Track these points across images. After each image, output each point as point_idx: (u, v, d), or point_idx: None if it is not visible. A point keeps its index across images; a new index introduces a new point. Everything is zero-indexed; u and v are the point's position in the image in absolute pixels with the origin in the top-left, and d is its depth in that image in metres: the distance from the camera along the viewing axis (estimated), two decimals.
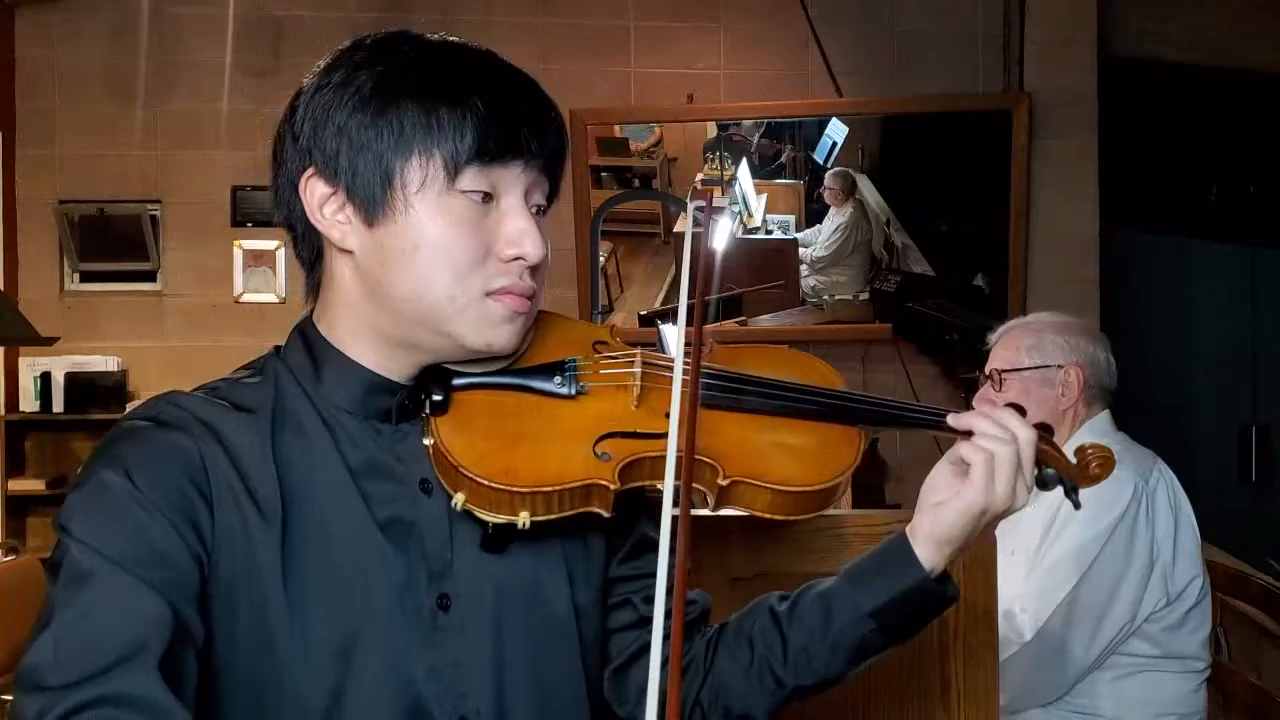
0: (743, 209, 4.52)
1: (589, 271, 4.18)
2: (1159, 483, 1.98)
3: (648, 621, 1.08)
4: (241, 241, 4.65)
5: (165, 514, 0.87)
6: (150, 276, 4.68)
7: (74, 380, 4.50)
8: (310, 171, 0.95)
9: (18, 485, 4.59)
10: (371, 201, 0.93)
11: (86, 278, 4.66)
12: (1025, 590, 1.96)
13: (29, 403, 4.57)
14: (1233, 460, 5.20)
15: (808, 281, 4.53)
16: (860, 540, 1.44)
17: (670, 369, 1.01)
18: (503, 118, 0.93)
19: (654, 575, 1.06)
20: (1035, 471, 1.04)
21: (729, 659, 1.07)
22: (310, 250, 1.01)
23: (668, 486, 0.87)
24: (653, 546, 1.08)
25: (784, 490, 0.99)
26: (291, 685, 0.91)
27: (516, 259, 0.95)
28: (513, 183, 0.95)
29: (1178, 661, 1.98)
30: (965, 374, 4.03)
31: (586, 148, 4.45)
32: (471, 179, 0.93)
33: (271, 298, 4.67)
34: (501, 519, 0.92)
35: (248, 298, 4.67)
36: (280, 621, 0.90)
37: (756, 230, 4.53)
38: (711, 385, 1.02)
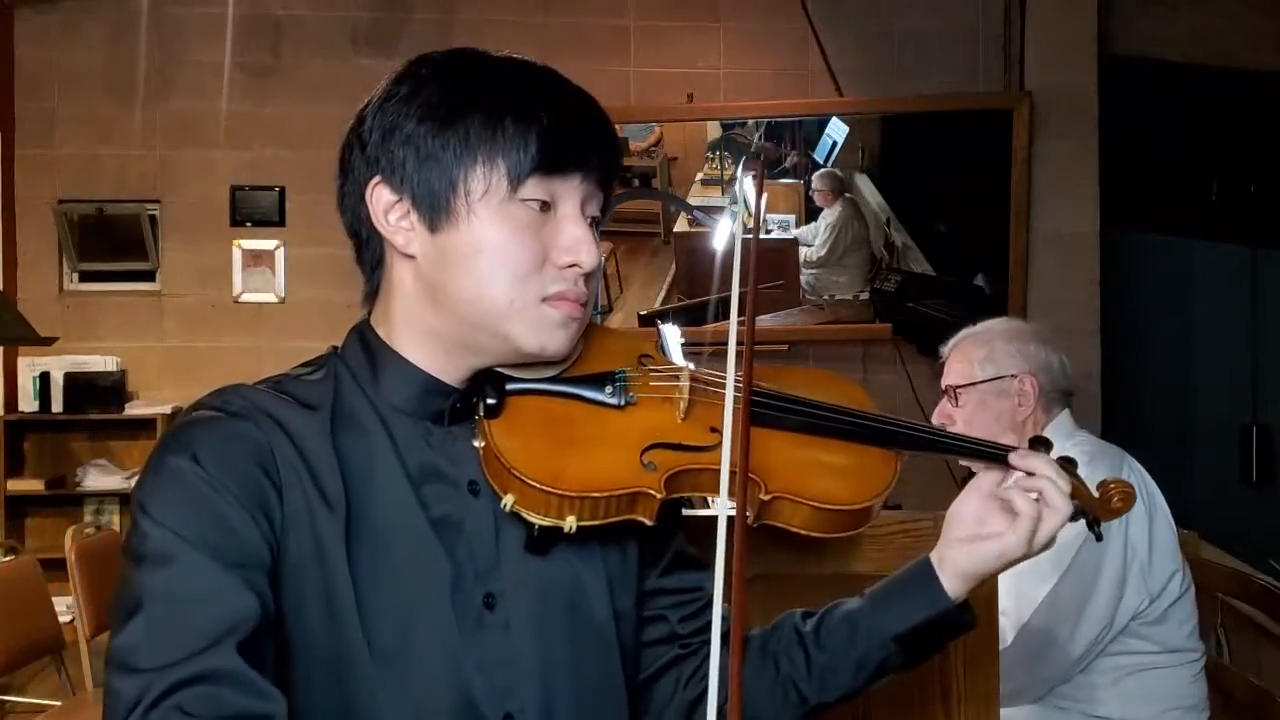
0: (743, 209, 4.51)
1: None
2: (1130, 479, 1.98)
3: (679, 638, 1.11)
4: (240, 241, 4.65)
5: (237, 497, 0.90)
6: (149, 276, 4.68)
7: (73, 380, 4.51)
8: (377, 180, 0.98)
9: (17, 485, 4.59)
10: (436, 208, 0.97)
11: (85, 277, 4.66)
12: (1004, 591, 1.95)
13: (28, 402, 4.57)
14: (1233, 461, 5.20)
15: (808, 280, 4.53)
16: (862, 542, 1.44)
17: (715, 385, 1.05)
18: (565, 132, 0.97)
19: (690, 591, 1.11)
20: None
21: (755, 675, 1.09)
22: (373, 255, 1.04)
23: (723, 499, 0.90)
24: (688, 562, 1.13)
25: (823, 507, 1.02)
26: (362, 665, 0.94)
27: (572, 266, 0.98)
28: (571, 193, 0.99)
29: (1173, 655, 1.98)
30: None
31: None
32: (533, 188, 0.96)
33: (270, 297, 4.67)
34: (548, 522, 0.95)
35: (246, 297, 4.67)
36: (346, 605, 0.93)
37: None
38: (758, 402, 1.04)
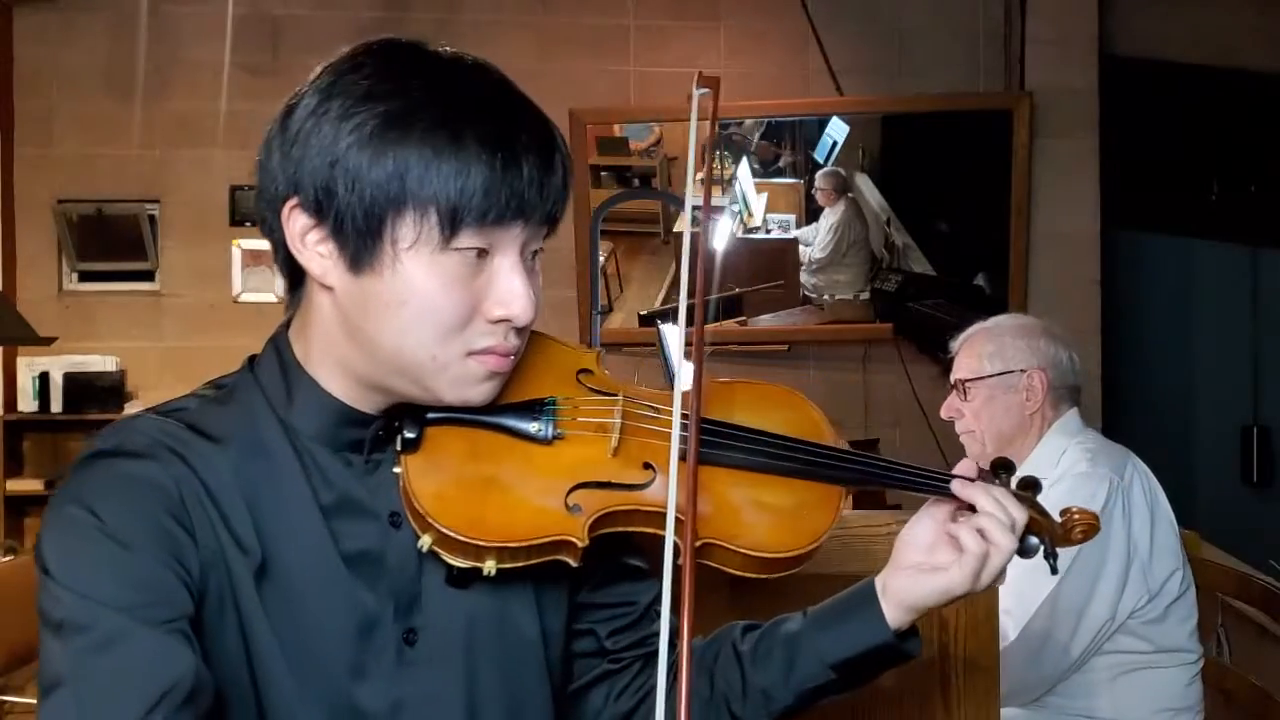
0: (743, 209, 4.51)
1: (589, 271, 4.17)
2: (1134, 478, 1.99)
3: (608, 652, 1.07)
4: (240, 241, 4.64)
5: (149, 550, 0.85)
6: (148, 276, 4.67)
7: (72, 380, 4.50)
8: (295, 201, 0.89)
9: (16, 485, 4.58)
10: (358, 250, 0.88)
11: (85, 277, 4.65)
12: (1006, 590, 1.94)
13: (27, 403, 4.56)
14: (1234, 461, 5.19)
15: (808, 280, 4.53)
16: (861, 542, 1.43)
17: (653, 411, 0.98)
18: (508, 178, 0.87)
19: (622, 605, 1.07)
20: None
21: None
22: (290, 269, 0.95)
23: (668, 543, 0.86)
24: (627, 573, 1.08)
25: (757, 556, 0.97)
26: (282, 710, 0.90)
27: (503, 320, 0.91)
28: (511, 241, 0.90)
29: (1170, 655, 1.98)
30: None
31: (586, 147, 4.44)
32: (468, 238, 0.87)
33: (270, 297, 4.66)
34: (467, 565, 0.91)
35: (246, 297, 4.67)
36: (267, 650, 0.90)
37: (756, 230, 4.53)
38: (700, 439, 0.96)
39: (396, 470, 0.93)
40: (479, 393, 0.93)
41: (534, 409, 0.97)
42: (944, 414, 2.20)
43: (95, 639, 0.81)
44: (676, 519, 0.88)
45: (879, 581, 1.03)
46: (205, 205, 4.62)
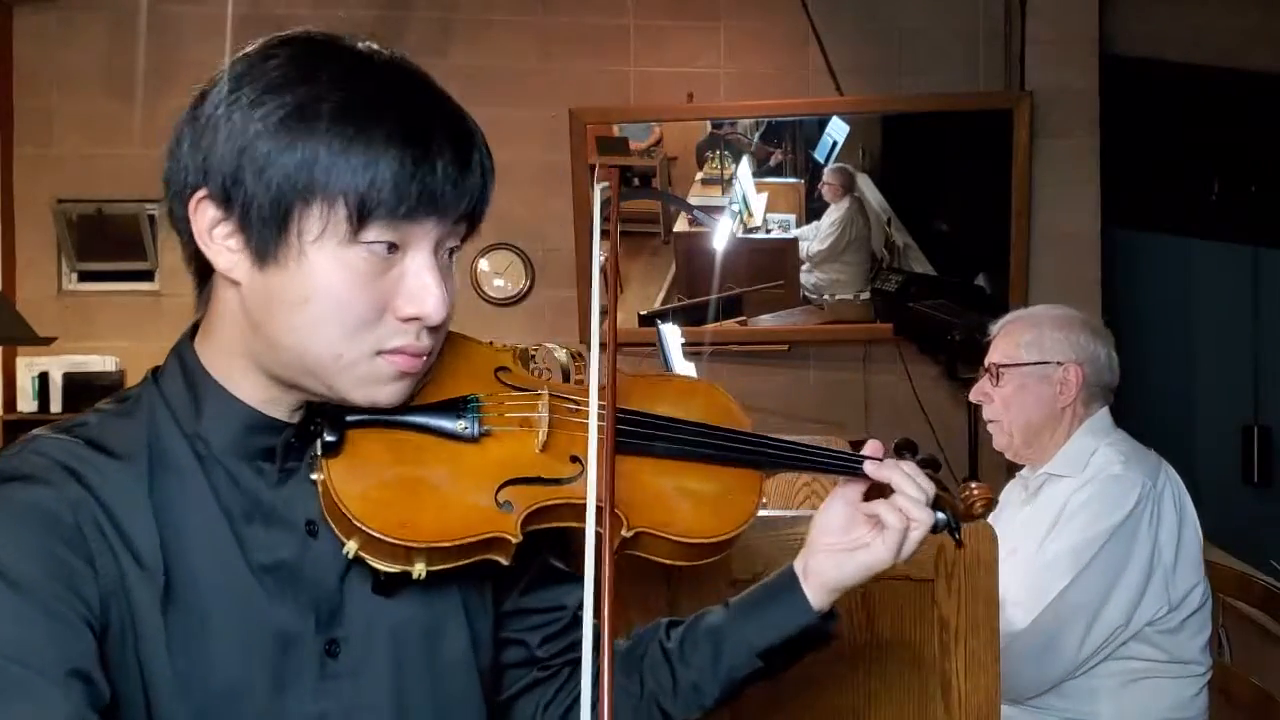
0: (743, 208, 4.51)
1: (589, 271, 4.16)
2: (1166, 486, 1.96)
3: (538, 661, 1.07)
4: None
5: (43, 587, 0.79)
6: (148, 276, 4.67)
7: (72, 380, 4.50)
8: (203, 193, 0.88)
9: None
10: (264, 242, 0.85)
11: (84, 277, 4.65)
12: (1019, 582, 1.93)
13: (26, 403, 4.56)
14: (1235, 461, 5.19)
15: (808, 279, 4.52)
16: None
17: (575, 404, 0.98)
18: (419, 174, 0.84)
19: (551, 610, 1.06)
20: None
21: (620, 694, 1.05)
22: (198, 266, 0.93)
23: (589, 535, 0.84)
24: (552, 575, 1.07)
25: (687, 542, 0.98)
26: None
27: (414, 319, 0.88)
28: (423, 237, 0.87)
29: (1181, 666, 1.96)
30: (967, 374, 4.01)
31: (586, 147, 4.44)
32: (377, 231, 0.85)
33: None
34: (395, 569, 0.89)
35: None
36: (164, 680, 0.85)
37: (756, 230, 4.52)
38: (623, 430, 0.97)
39: (314, 477, 0.90)
40: (387, 393, 0.90)
41: (457, 407, 0.95)
42: (972, 397, 2.17)
43: None
44: (598, 508, 0.86)
45: (798, 566, 1.05)
46: None
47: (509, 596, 1.05)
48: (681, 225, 4.52)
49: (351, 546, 0.88)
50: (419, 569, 0.88)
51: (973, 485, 1.11)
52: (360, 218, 0.84)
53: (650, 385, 1.07)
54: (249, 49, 0.91)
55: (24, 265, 4.62)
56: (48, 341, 3.77)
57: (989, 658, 1.48)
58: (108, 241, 4.58)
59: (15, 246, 4.61)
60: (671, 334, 2.23)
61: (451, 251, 0.92)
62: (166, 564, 0.86)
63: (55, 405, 4.50)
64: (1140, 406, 4.81)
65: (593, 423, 0.89)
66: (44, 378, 4.51)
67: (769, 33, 4.62)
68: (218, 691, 0.87)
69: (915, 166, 4.55)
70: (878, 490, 1.06)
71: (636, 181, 4.55)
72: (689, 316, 4.33)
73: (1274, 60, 4.59)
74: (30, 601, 0.79)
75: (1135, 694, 1.95)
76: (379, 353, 0.88)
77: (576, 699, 1.02)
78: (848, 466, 1.06)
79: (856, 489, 1.07)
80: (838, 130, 4.49)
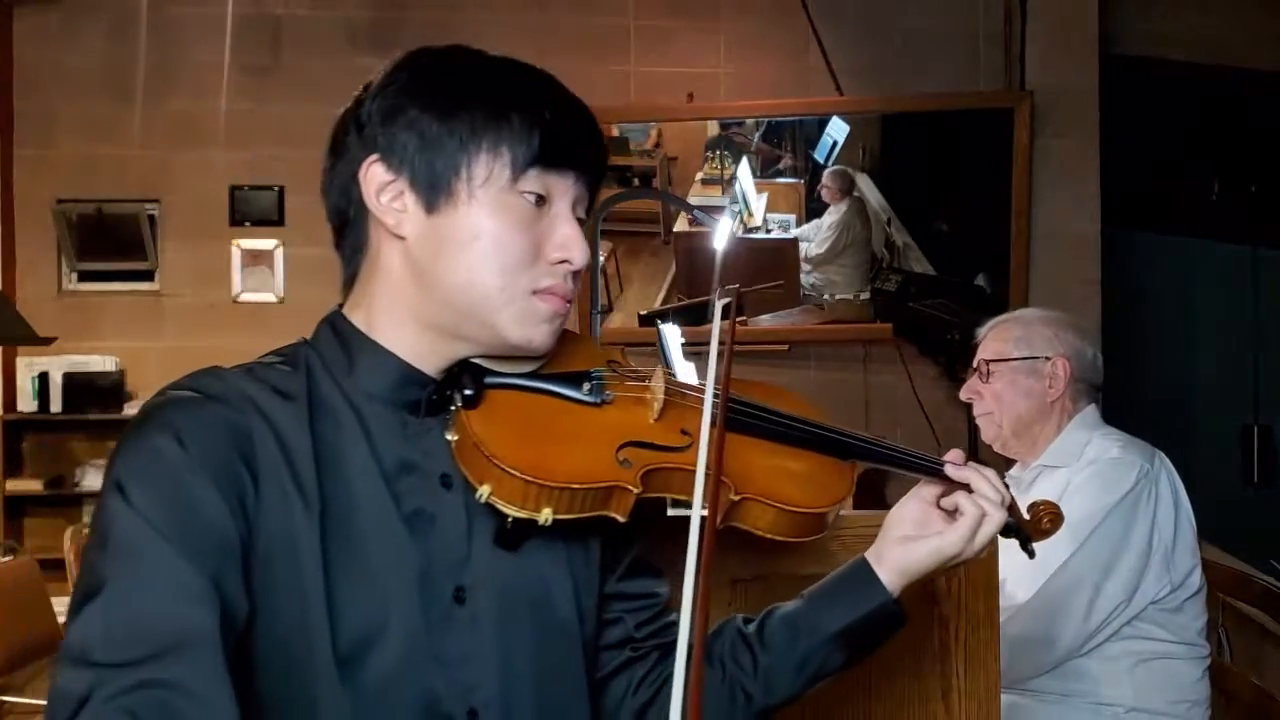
0: (743, 208, 4.51)
1: (589, 271, 4.17)
2: (1162, 470, 2.02)
3: (633, 641, 1.13)
4: (239, 241, 4.65)
5: (215, 484, 0.88)
6: (148, 276, 4.67)
7: (72, 380, 4.50)
8: (374, 158, 0.98)
9: (16, 485, 4.59)
10: (435, 189, 0.97)
11: (84, 277, 4.66)
12: (1015, 560, 1.94)
13: (27, 403, 4.57)
14: (1234, 461, 5.19)
15: (808, 279, 4.53)
16: (859, 542, 1.43)
17: (688, 390, 1.09)
18: (566, 130, 0.99)
19: (645, 596, 1.13)
20: None
21: (704, 678, 1.08)
22: (356, 238, 1.03)
23: (696, 497, 0.90)
24: (644, 568, 1.15)
25: (789, 510, 1.04)
26: (323, 662, 0.92)
27: (563, 262, 1.00)
28: (565, 191, 1.01)
29: (1186, 648, 2.00)
30: (966, 374, 4.02)
31: None
32: (532, 181, 0.98)
33: (270, 297, 4.66)
34: (524, 514, 0.94)
35: (246, 297, 4.67)
36: (315, 600, 0.92)
37: (756, 229, 4.53)
38: (731, 408, 1.06)
39: (450, 437, 0.99)
40: (540, 333, 1.00)
41: (582, 378, 1.05)
42: (963, 396, 2.24)
43: (141, 563, 0.83)
44: (707, 473, 0.92)
45: (870, 555, 1.11)
46: (205, 205, 4.62)
47: (609, 580, 1.11)
48: (681, 225, 4.52)
49: (485, 490, 0.94)
50: (546, 514, 0.94)
51: (1039, 503, 1.17)
52: (520, 165, 0.97)
53: (744, 385, 1.15)
54: (391, 62, 1.02)
55: (24, 265, 4.63)
56: (48, 341, 3.78)
57: (989, 657, 1.48)
58: (108, 241, 4.59)
59: (15, 246, 4.62)
60: (671, 334, 2.23)
61: (579, 221, 1.03)
62: (323, 498, 0.94)
63: (55, 405, 4.51)
64: (1140, 406, 4.81)
65: (708, 395, 0.99)
66: (44, 377, 4.52)
67: (769, 33, 4.63)
68: (363, 624, 0.93)
69: (915, 167, 4.55)
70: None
71: (636, 181, 4.56)
72: (689, 316, 4.34)
73: (1274, 60, 4.59)
74: (204, 491, 0.87)
75: (1149, 674, 1.98)
76: (534, 292, 0.99)
77: (665, 679, 1.11)
78: (930, 467, 1.13)
79: (934, 489, 1.13)
80: (838, 130, 4.49)
